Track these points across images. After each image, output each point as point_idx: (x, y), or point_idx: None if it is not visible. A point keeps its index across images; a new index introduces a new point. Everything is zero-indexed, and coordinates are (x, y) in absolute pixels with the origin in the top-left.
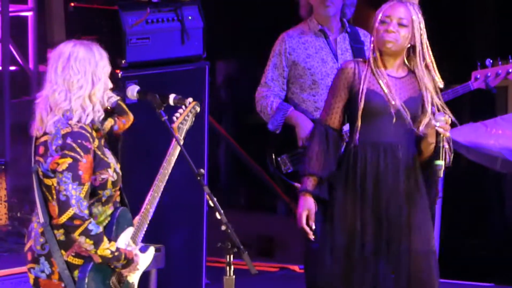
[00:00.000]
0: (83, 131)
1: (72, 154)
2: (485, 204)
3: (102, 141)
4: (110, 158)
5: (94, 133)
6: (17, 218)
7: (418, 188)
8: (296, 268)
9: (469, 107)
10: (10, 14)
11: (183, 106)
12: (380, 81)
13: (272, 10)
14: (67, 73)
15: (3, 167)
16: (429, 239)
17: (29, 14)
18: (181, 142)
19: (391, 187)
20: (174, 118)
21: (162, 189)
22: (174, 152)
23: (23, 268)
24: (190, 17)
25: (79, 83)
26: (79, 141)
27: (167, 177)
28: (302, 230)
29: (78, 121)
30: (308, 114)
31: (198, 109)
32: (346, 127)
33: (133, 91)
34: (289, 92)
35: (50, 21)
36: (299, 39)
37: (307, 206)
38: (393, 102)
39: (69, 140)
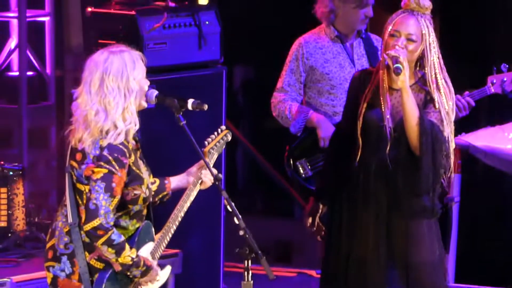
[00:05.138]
0: (120, 146)
1: (108, 166)
2: (502, 208)
3: (138, 153)
4: (144, 172)
5: (130, 146)
6: (35, 223)
7: (408, 207)
8: (313, 273)
9: (486, 112)
10: (28, 19)
11: (215, 132)
12: (382, 98)
13: (289, 14)
14: (102, 92)
15: (20, 172)
16: (429, 251)
17: (46, 19)
18: (211, 166)
19: (380, 205)
20: (206, 142)
21: (186, 210)
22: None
23: (42, 273)
24: (207, 22)
25: (115, 101)
26: (115, 155)
27: (192, 199)
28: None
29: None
30: (326, 118)
31: (229, 137)
32: None
33: (151, 95)
34: (306, 96)
35: (67, 26)
36: (316, 44)
37: (312, 210)
38: (385, 123)
39: (106, 152)
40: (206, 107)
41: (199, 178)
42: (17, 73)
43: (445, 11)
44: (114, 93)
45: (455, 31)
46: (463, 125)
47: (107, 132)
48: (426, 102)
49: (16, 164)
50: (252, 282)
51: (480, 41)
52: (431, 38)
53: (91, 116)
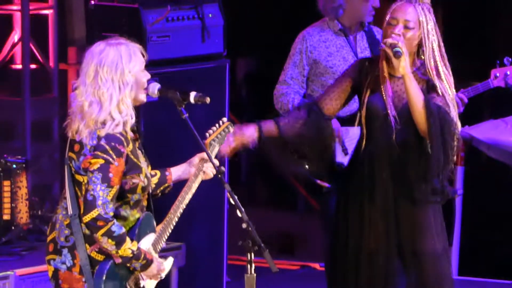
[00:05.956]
0: (118, 135)
1: (105, 156)
2: (505, 201)
3: (137, 143)
4: (143, 162)
5: (129, 136)
6: (38, 216)
7: (418, 192)
8: (317, 266)
9: (489, 105)
10: (31, 12)
11: (217, 124)
12: (383, 87)
13: (292, 7)
14: (96, 84)
15: (23, 165)
16: (434, 240)
17: (49, 12)
18: (212, 158)
19: (387, 194)
20: (207, 134)
21: (187, 201)
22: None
23: (45, 266)
24: (210, 15)
25: (109, 92)
26: (113, 143)
27: (193, 191)
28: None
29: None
30: None
31: (231, 129)
32: None
33: (154, 88)
34: (309, 89)
35: (70, 19)
36: (320, 37)
37: (245, 131)
38: (388, 111)
39: (103, 142)
40: (208, 100)
41: (200, 169)
42: (20, 66)
43: (448, 4)
44: (107, 85)
45: (458, 25)
46: (466, 118)
47: (103, 123)
48: (428, 91)
49: (19, 157)
50: (255, 275)
51: (483, 35)
52: (430, 26)
53: (86, 107)
